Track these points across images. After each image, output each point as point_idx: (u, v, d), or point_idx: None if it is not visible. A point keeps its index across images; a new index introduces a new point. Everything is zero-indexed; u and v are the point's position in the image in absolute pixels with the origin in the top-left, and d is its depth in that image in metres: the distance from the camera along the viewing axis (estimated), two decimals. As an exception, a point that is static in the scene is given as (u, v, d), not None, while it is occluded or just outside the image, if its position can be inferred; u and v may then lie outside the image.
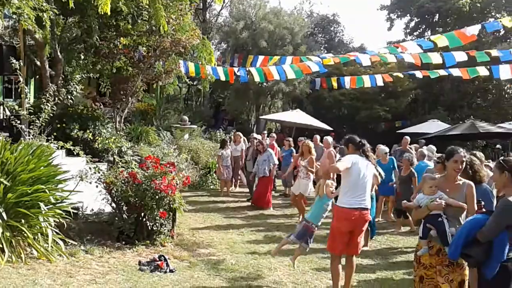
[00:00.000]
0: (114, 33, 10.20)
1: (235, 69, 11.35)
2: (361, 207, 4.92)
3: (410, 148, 11.06)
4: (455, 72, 10.15)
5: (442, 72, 10.50)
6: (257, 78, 10.94)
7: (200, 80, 14.33)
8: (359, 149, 5.19)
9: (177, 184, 6.54)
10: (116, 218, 6.50)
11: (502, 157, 3.83)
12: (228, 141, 12.21)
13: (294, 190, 9.21)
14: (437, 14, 28.69)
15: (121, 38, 10.21)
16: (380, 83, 12.39)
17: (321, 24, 35.22)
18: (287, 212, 10.08)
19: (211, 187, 12.65)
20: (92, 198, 6.71)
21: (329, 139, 10.26)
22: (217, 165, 11.97)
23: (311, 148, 9.06)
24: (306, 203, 9.15)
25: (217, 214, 9.31)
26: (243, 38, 20.37)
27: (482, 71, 9.75)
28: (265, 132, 15.98)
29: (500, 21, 7.40)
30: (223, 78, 11.00)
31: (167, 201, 6.31)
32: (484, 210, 3.81)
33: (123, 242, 6.23)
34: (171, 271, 5.42)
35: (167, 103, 19.66)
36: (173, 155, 9.29)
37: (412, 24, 30.70)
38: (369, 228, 6.60)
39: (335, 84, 13.80)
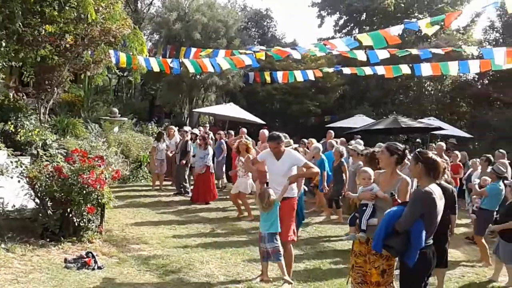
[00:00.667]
0: (39, 19, 9.63)
1: (169, 60, 11.15)
2: (286, 196, 5.22)
3: (336, 141, 11.47)
4: (380, 70, 10.65)
5: (367, 70, 10.98)
6: (191, 70, 10.81)
7: (131, 71, 13.93)
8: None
9: (106, 179, 6.35)
10: (40, 214, 6.19)
11: (418, 149, 4.02)
12: (164, 134, 12.01)
13: (234, 190, 9.19)
14: (365, 13, 29.93)
15: (46, 26, 9.64)
16: (311, 77, 12.75)
17: (254, 18, 35.46)
18: (220, 205, 10.13)
19: (142, 181, 12.42)
20: (13, 194, 6.34)
21: (266, 132, 10.42)
22: (149, 158, 11.75)
23: (248, 146, 8.99)
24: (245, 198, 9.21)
25: (148, 209, 9.16)
26: (176, 30, 20.06)
27: (405, 69, 10.31)
28: (206, 125, 15.91)
29: (418, 25, 7.85)
30: (156, 69, 10.76)
31: (95, 196, 6.13)
32: (399, 201, 4.03)
33: (48, 239, 5.98)
34: (99, 268, 5.28)
35: (95, 94, 18.94)
36: (102, 148, 9.00)
37: (341, 22, 31.75)
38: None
39: (268, 78, 13.98)
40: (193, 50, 11.71)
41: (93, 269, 5.22)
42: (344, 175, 8.82)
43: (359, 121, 18.30)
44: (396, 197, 4.07)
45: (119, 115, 14.17)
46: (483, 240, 7.16)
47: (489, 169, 8.61)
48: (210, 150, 10.41)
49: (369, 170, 4.58)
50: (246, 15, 32.74)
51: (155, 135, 12.43)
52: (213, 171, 10.46)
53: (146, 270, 5.47)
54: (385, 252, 3.80)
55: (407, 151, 4.21)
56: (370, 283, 4.10)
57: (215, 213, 9.34)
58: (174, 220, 8.43)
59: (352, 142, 10.88)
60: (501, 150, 10.13)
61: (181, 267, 5.68)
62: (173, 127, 12.46)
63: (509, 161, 8.96)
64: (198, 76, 20.69)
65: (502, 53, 7.75)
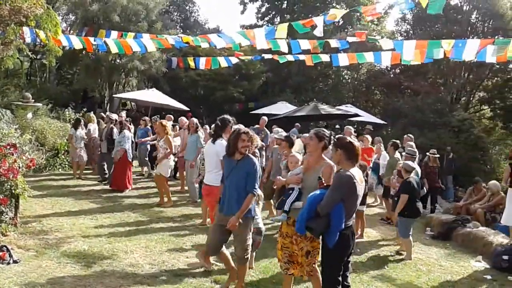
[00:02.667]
0: None
1: (91, 39, 10.60)
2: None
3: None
4: (301, 56, 10.97)
5: (289, 57, 11.25)
6: (114, 50, 10.37)
7: (45, 54, 13.09)
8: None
9: (19, 168, 6.01)
10: None
11: (336, 136, 4.21)
12: (82, 121, 11.49)
13: (157, 171, 9.09)
14: (286, 1, 30.45)
15: None
16: (235, 61, 12.86)
17: (176, 2, 34.73)
18: (142, 193, 9.97)
19: (60, 170, 11.86)
20: None
21: (185, 119, 10.37)
22: (67, 146, 11.23)
23: (166, 127, 8.97)
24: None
25: (68, 199, 8.80)
26: (93, 11, 19.05)
27: (324, 57, 10.70)
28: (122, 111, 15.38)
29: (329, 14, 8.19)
30: (79, 46, 10.20)
31: (8, 186, 5.80)
32: (325, 185, 4.24)
33: (-45, 234, 5.57)
34: (15, 262, 5.02)
35: (6, 78, 17.61)
36: (15, 135, 8.42)
37: (263, 9, 32.04)
38: None
39: (192, 64, 13.83)
40: (114, 33, 11.29)
41: (8, 263, 4.95)
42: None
43: (282, 107, 18.72)
44: (323, 181, 4.27)
45: (33, 100, 13.32)
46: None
47: (396, 153, 9.34)
48: (127, 133, 10.13)
49: (297, 154, 4.78)
50: (168, -2, 31.98)
51: (73, 122, 11.85)
52: (131, 157, 10.21)
53: (67, 262, 5.28)
54: (308, 233, 3.99)
55: (332, 137, 4.38)
56: (296, 263, 4.29)
57: (139, 201, 9.18)
58: (96, 209, 8.18)
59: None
60: (409, 135, 10.96)
61: (103, 258, 5.55)
62: (91, 113, 11.96)
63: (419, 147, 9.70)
64: (118, 60, 19.92)
65: (412, 48, 8.30)
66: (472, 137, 17.46)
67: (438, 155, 11.05)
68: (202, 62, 13.17)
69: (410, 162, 7.41)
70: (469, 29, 23.08)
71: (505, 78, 22.43)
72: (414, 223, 7.29)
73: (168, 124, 9.46)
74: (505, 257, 6.69)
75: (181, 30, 28.75)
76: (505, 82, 22.28)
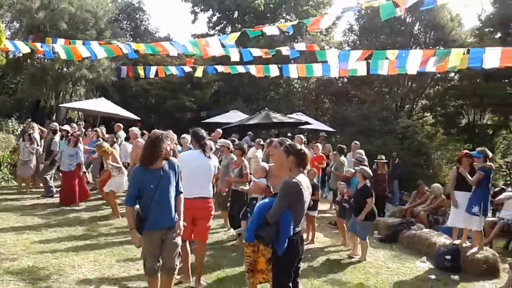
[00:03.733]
0: None
1: (38, 45, 10.21)
2: (201, 197, 5.21)
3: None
4: (252, 69, 11.09)
5: (240, 69, 11.34)
6: (63, 56, 10.03)
7: (-14, 63, 12.52)
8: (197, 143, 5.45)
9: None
10: None
11: (288, 143, 4.21)
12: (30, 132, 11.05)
13: (106, 188, 8.83)
14: (237, 11, 30.69)
15: None
16: (187, 70, 12.84)
17: (126, 10, 34.14)
18: (91, 205, 9.71)
19: (3, 183, 11.33)
20: None
21: (136, 130, 10.23)
22: (9, 159, 10.77)
23: (104, 148, 8.91)
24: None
25: (11, 213, 8.42)
26: (39, 19, 18.43)
27: (274, 70, 10.88)
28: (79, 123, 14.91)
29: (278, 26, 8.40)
30: (26, 50, 9.82)
31: None
32: (273, 193, 4.30)
33: None
34: (-47, 282, 4.77)
35: None
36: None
37: (215, 19, 32.13)
38: None
39: (141, 73, 13.63)
40: (61, 41, 10.95)
41: None
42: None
43: (234, 116, 18.82)
44: (272, 190, 4.33)
45: (-28, 110, 12.71)
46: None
47: (342, 158, 9.68)
48: (81, 146, 9.87)
49: (264, 164, 4.82)
50: (117, 6, 31.38)
51: (18, 133, 11.39)
52: (83, 170, 9.96)
53: (10, 279, 5.06)
54: (257, 242, 4.03)
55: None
56: (255, 271, 4.33)
57: (86, 214, 8.92)
58: (41, 224, 7.87)
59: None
60: (356, 142, 11.35)
61: (50, 274, 5.36)
62: (34, 124, 11.51)
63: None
64: (65, 69, 19.34)
65: (357, 56, 8.62)
66: (415, 143, 18.22)
67: (386, 161, 11.33)
68: (153, 71, 13.02)
69: (367, 169, 7.69)
70: (412, 39, 24.17)
71: (446, 87, 23.66)
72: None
73: (119, 136, 9.31)
74: (448, 257, 7.04)
75: (131, 39, 28.28)
76: (445, 90, 23.48)
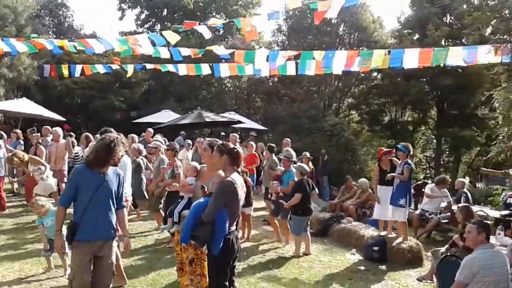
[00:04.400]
0: None
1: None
2: None
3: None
4: (183, 68, 10.99)
5: (171, 68, 11.20)
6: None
7: None
8: None
9: None
10: None
11: (221, 142, 4.20)
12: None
13: (35, 190, 8.33)
14: (166, 9, 30.23)
15: None
16: (115, 67, 12.48)
17: (48, 6, 32.46)
18: (14, 212, 9.18)
19: None
20: None
21: (60, 130, 9.83)
22: None
23: (20, 158, 8.36)
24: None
25: None
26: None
27: (206, 69, 10.86)
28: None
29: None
30: None
31: None
32: (208, 192, 4.31)
33: None
34: None
35: None
36: None
37: (143, 16, 31.46)
38: None
39: (65, 72, 13.02)
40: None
41: None
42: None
43: (165, 116, 18.54)
44: (206, 189, 4.34)
45: None
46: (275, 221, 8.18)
47: (273, 156, 9.89)
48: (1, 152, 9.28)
49: (193, 163, 4.80)
50: (39, 1, 29.73)
51: None
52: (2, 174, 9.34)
53: None
54: (193, 242, 4.02)
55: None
56: (184, 270, 4.32)
57: (10, 221, 8.42)
58: (-42, 234, 7.33)
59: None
60: (287, 139, 11.59)
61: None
62: None
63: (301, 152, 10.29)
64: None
65: (286, 57, 8.84)
66: (343, 140, 18.93)
67: (311, 157, 11.09)
68: (78, 70, 12.50)
69: (304, 165, 7.88)
70: (337, 40, 25.09)
71: (370, 86, 24.81)
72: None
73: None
74: (376, 248, 7.42)
75: (54, 36, 26.92)
76: (369, 89, 24.62)
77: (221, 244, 3.74)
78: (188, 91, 25.02)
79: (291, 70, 9.74)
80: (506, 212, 8.51)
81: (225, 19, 11.81)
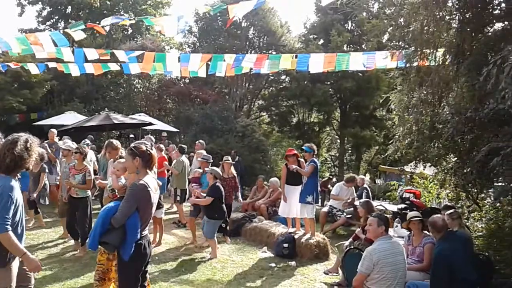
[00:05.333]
0: None
1: None
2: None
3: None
4: (89, 67, 10.53)
5: (75, 70, 10.62)
6: None
7: None
8: None
9: None
10: None
11: (133, 144, 4.01)
12: None
13: None
14: (70, 6, 28.70)
15: None
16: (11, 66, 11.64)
17: None
18: None
19: None
20: None
21: None
22: None
23: None
24: None
25: None
26: None
27: (114, 66, 10.52)
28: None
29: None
30: None
31: None
32: (118, 196, 4.21)
33: None
34: None
35: None
36: None
37: (45, 13, 29.56)
38: None
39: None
40: None
41: None
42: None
43: (70, 118, 17.57)
44: (116, 193, 4.23)
45: None
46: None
47: (183, 157, 9.89)
48: None
49: (122, 160, 4.58)
50: None
51: None
52: None
53: None
54: (103, 248, 3.87)
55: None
56: (107, 279, 4.16)
57: None
58: None
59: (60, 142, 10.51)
60: (200, 141, 11.61)
61: None
62: None
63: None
64: None
65: (198, 60, 8.89)
66: (254, 140, 19.33)
67: (233, 162, 10.24)
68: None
69: (217, 169, 7.94)
70: (247, 43, 25.58)
71: (279, 88, 25.64)
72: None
73: None
74: (285, 245, 7.70)
75: None
76: (278, 91, 25.44)
77: (132, 250, 3.63)
78: (95, 92, 23.95)
79: (202, 72, 9.78)
80: (402, 206, 9.22)
81: (134, 18, 11.53)
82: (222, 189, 7.56)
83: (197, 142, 11.55)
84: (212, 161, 9.10)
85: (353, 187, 10.45)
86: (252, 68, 9.29)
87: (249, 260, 7.45)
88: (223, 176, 8.56)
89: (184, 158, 10.13)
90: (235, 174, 9.29)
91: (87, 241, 6.33)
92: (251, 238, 8.82)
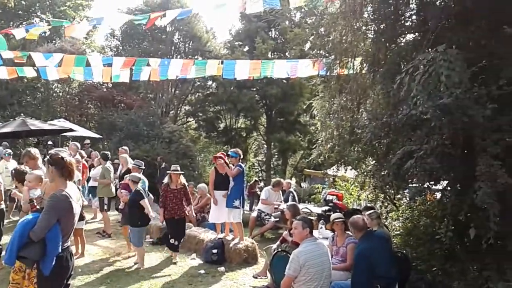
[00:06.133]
0: None
1: None
2: None
3: None
4: (2, 71, 9.91)
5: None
6: None
7: None
8: None
9: None
10: None
11: (50, 153, 3.80)
12: None
13: None
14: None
15: None
16: None
17: None
18: None
19: None
20: None
21: None
22: None
23: None
24: None
25: None
26: None
27: (30, 72, 9.98)
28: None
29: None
30: None
31: None
32: (37, 208, 3.95)
33: None
34: None
35: None
36: None
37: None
38: None
39: None
40: None
41: None
42: None
43: (-19, 124, 16.33)
44: (35, 204, 3.99)
45: None
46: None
47: (107, 164, 9.60)
48: None
49: (36, 172, 4.32)
50: None
51: None
52: None
53: None
54: (18, 265, 3.61)
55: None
56: None
57: None
58: None
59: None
60: (124, 147, 11.29)
61: None
62: None
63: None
64: None
65: (120, 64, 8.69)
66: (181, 146, 19.15)
67: (181, 172, 8.62)
68: None
69: (136, 174, 7.75)
70: (173, 48, 25.31)
71: (205, 94, 25.62)
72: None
73: None
74: (214, 251, 7.70)
75: None
76: (205, 97, 25.42)
77: (53, 263, 3.45)
78: (10, 97, 22.41)
79: (125, 77, 9.56)
80: (326, 208, 9.56)
81: (51, 20, 10.95)
82: (143, 194, 7.39)
83: (120, 148, 11.22)
84: (144, 167, 8.89)
85: (280, 191, 10.67)
86: (178, 75, 9.25)
87: (178, 268, 7.36)
88: (171, 187, 7.79)
89: (109, 165, 9.79)
90: (186, 184, 8.11)
91: (2, 255, 5.93)
92: (180, 245, 8.71)
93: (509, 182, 4.11)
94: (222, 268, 7.31)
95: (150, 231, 9.49)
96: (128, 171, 9.13)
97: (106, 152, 10.06)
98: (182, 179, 8.04)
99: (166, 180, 8.01)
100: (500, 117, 4.44)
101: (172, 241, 7.76)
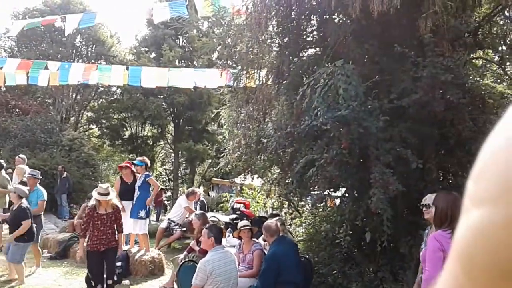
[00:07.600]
0: None
1: None
2: None
3: None
4: None
5: None
6: None
7: None
8: None
9: None
10: None
11: None
12: None
13: None
14: None
15: None
16: None
17: None
18: None
19: None
20: None
21: None
22: None
23: None
24: None
25: None
26: None
27: None
28: None
29: None
30: None
31: None
32: None
33: None
34: None
35: None
36: None
37: None
38: None
39: None
40: None
41: None
42: None
43: None
44: None
45: None
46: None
47: (3, 173, 8.82)
48: None
49: None
50: None
51: None
52: None
53: None
54: None
55: None
56: None
57: None
58: None
59: None
60: (21, 156, 10.48)
61: None
62: None
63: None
64: None
65: (14, 66, 8.11)
66: (83, 155, 18.23)
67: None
68: None
69: (23, 187, 7.15)
70: (74, 51, 24.07)
71: (110, 100, 24.67)
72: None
73: None
74: (118, 264, 7.30)
75: None
76: (109, 103, 24.47)
77: None
78: None
79: (21, 80, 8.92)
80: (234, 216, 9.70)
81: None
82: (29, 209, 6.84)
83: (17, 157, 10.39)
84: (41, 177, 8.28)
85: (193, 201, 10.53)
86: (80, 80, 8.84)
87: (78, 284, 6.98)
88: (98, 211, 6.03)
89: (4, 174, 8.98)
90: (118, 206, 6.43)
91: None
92: (81, 259, 8.25)
93: (400, 189, 4.48)
94: (126, 282, 7.06)
95: (48, 245, 8.91)
96: (23, 183, 8.43)
97: (0, 161, 9.21)
98: (115, 201, 6.33)
99: (92, 202, 6.26)
100: (391, 129, 4.85)
101: (92, 283, 6.03)
